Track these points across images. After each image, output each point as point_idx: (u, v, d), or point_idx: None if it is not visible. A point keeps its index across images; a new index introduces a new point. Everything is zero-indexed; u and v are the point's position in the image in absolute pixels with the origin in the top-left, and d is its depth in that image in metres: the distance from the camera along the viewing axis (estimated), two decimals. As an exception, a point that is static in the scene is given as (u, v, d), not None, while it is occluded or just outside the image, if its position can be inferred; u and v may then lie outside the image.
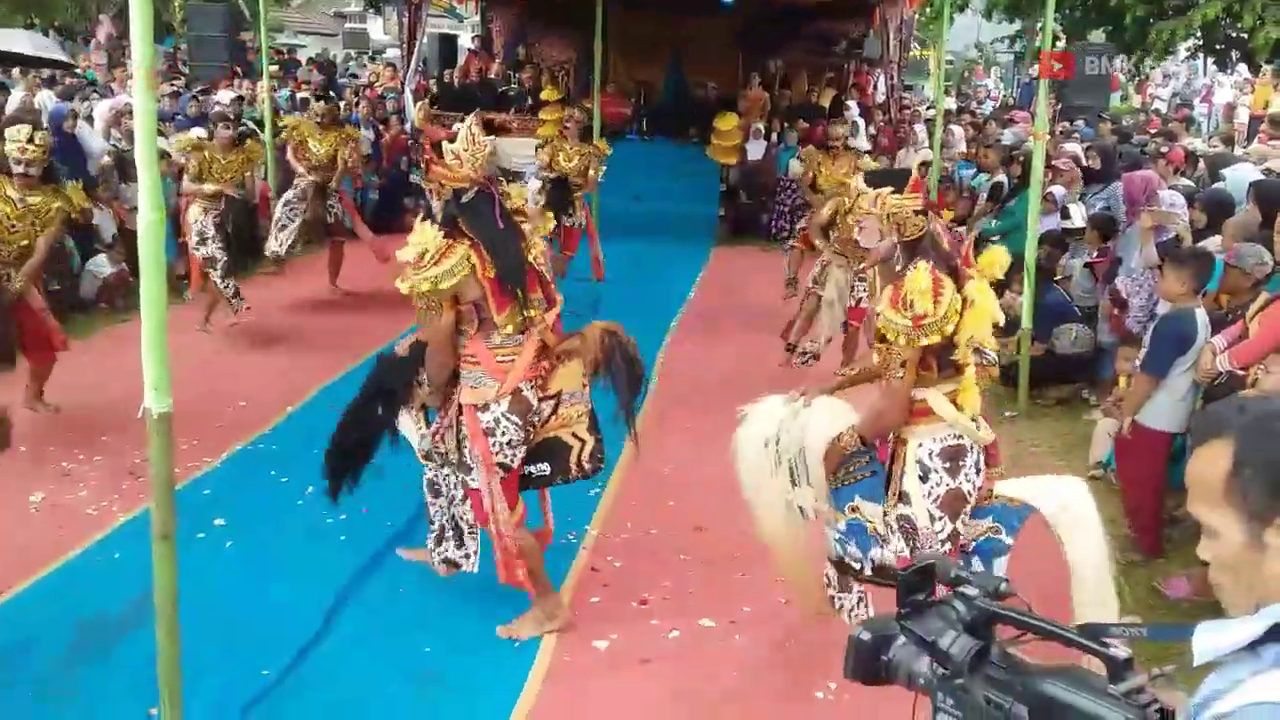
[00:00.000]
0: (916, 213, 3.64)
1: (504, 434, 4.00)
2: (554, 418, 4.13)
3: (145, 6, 3.02)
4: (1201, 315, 5.03)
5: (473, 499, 4.17)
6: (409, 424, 4.41)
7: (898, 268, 3.64)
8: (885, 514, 3.71)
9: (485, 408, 3.98)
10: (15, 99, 11.14)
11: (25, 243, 6.15)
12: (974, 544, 3.66)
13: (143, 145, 3.13)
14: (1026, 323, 7.33)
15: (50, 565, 4.74)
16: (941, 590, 1.59)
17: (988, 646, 1.50)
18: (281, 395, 7.02)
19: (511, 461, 4.06)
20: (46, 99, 11.37)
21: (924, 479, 3.61)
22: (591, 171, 9.72)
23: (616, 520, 5.36)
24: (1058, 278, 8.30)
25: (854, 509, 3.84)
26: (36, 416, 6.43)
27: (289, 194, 9.42)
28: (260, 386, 7.23)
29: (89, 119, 10.66)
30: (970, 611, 1.52)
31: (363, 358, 7.53)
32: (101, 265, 8.96)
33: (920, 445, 3.63)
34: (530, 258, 4.05)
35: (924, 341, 3.47)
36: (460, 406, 4.07)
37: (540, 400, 4.10)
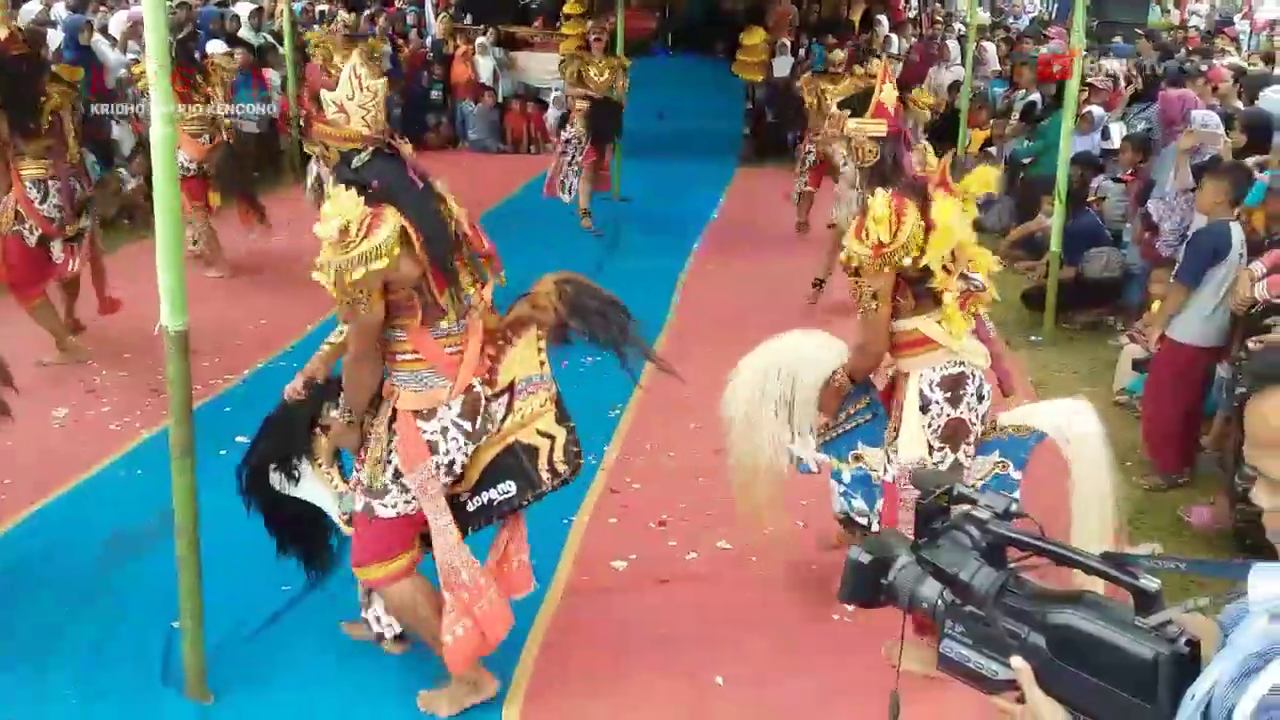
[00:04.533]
0: (873, 138, 3.56)
1: (448, 450, 3.14)
2: (509, 418, 3.27)
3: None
4: (1237, 231, 4.92)
5: (358, 528, 3.29)
6: (317, 489, 3.53)
7: (863, 193, 3.56)
8: (885, 451, 3.66)
9: (431, 414, 3.13)
10: (30, 10, 11.00)
11: None
12: (981, 484, 3.57)
13: (154, 55, 3.05)
14: (1055, 246, 7.20)
15: (74, 480, 4.80)
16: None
17: (1009, 578, 1.45)
18: (302, 313, 6.99)
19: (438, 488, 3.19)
20: (61, 10, 11.22)
21: (924, 409, 3.53)
22: (618, 86, 9.52)
23: (635, 442, 5.35)
24: (1090, 198, 8.14)
25: (857, 457, 3.79)
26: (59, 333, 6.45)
27: None
28: (280, 304, 7.23)
29: (105, 30, 10.52)
30: (985, 536, 1.46)
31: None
32: (122, 180, 8.91)
33: (921, 376, 3.55)
34: (451, 223, 3.17)
35: (885, 270, 3.39)
36: (389, 426, 3.21)
37: (491, 399, 3.24)
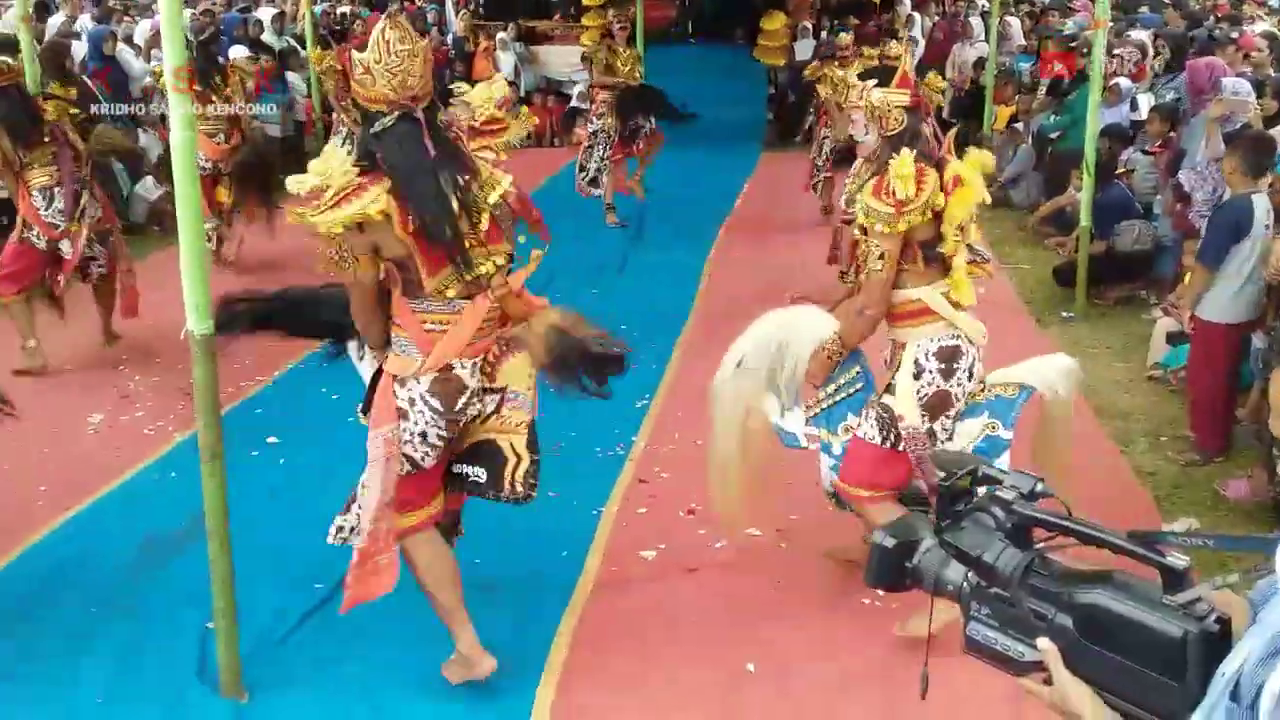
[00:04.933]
0: (900, 107, 3.57)
1: (417, 422, 3.15)
2: (496, 417, 3.30)
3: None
4: (1261, 202, 4.81)
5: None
6: (362, 364, 3.64)
7: (882, 160, 3.57)
8: (868, 405, 3.67)
9: (404, 382, 3.16)
10: (55, 22, 11.14)
11: None
12: (972, 447, 3.57)
13: (171, 61, 3.08)
14: (1085, 220, 7.11)
15: (109, 484, 4.86)
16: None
17: (1034, 559, 1.42)
18: (330, 313, 7.04)
19: (422, 460, 3.21)
20: (86, 21, 11.35)
21: (916, 376, 3.55)
22: (636, 76, 9.48)
23: (663, 432, 5.34)
24: (1120, 170, 8.02)
25: (847, 428, 3.78)
26: (93, 340, 6.52)
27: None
28: (309, 305, 7.26)
29: (129, 40, 10.63)
30: (1010, 518, 1.43)
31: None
32: (149, 188, 9.01)
33: (918, 346, 3.56)
34: (488, 199, 3.13)
35: (903, 226, 3.40)
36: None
37: (485, 391, 3.26)
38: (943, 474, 1.54)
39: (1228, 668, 1.24)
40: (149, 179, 9.06)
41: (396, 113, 3.01)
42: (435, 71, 12.21)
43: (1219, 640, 1.27)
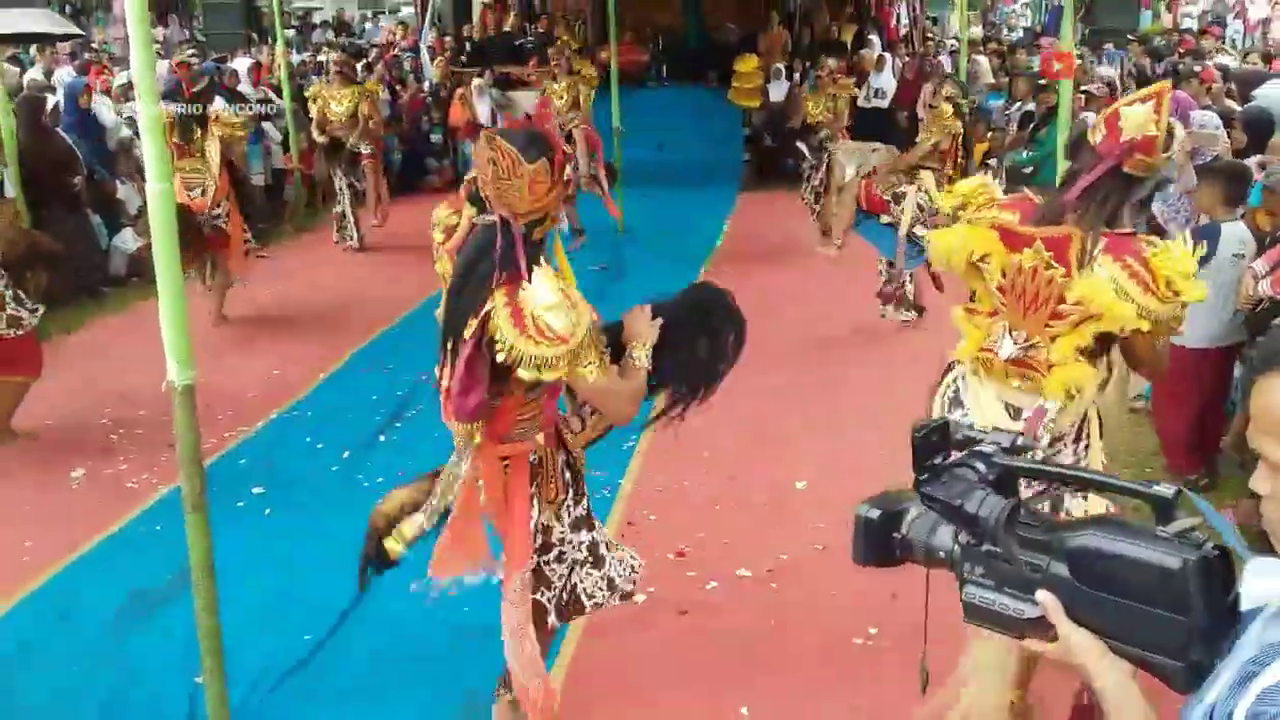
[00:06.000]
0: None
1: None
2: None
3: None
4: (1232, 230, 4.89)
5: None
6: None
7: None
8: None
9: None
10: (31, 75, 11.14)
11: None
12: None
13: (146, 112, 3.08)
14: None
15: (93, 539, 4.80)
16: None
17: (1018, 504, 1.37)
18: (314, 362, 7.04)
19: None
20: (65, 74, 11.36)
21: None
22: (582, 100, 9.70)
23: (650, 473, 5.34)
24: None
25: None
26: (74, 394, 6.47)
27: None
28: (291, 354, 7.26)
29: (106, 93, 10.64)
30: (992, 470, 1.39)
31: (394, 320, 7.57)
32: (128, 240, 8.98)
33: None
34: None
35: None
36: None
37: None
38: (914, 428, 1.49)
39: (1206, 697, 1.23)
40: (128, 231, 9.04)
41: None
42: (412, 118, 12.57)
43: (1221, 566, 1.23)
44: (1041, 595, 1.31)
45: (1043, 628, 1.33)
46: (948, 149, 7.18)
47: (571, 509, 3.09)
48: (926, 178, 6.89)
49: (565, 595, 3.10)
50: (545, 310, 2.65)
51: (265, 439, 5.93)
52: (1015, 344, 3.05)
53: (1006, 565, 1.35)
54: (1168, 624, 1.23)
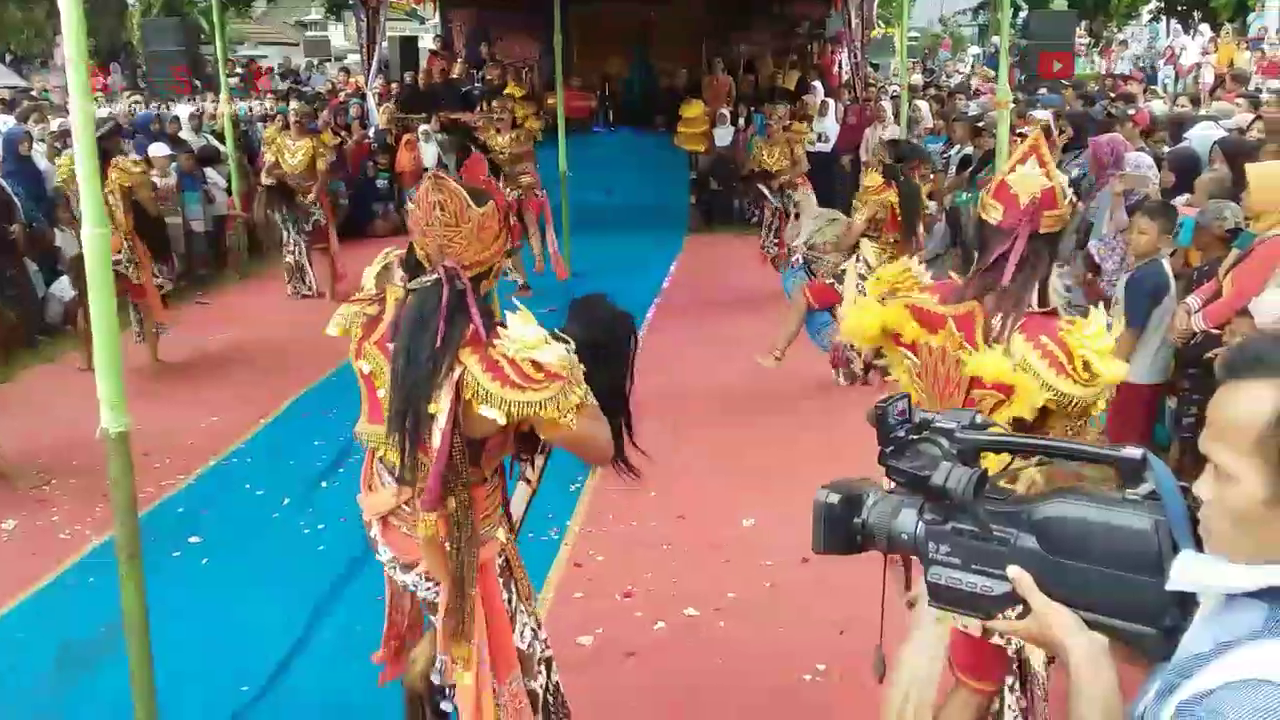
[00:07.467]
0: None
1: None
2: None
3: (77, 12, 2.93)
4: (1167, 266, 5.03)
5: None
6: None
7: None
8: None
9: None
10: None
11: None
12: None
13: (83, 160, 3.04)
14: (1000, 293, 7.29)
15: (26, 591, 4.67)
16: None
17: (984, 474, 1.36)
18: (252, 409, 6.94)
19: None
20: (3, 122, 11.20)
21: None
22: (525, 153, 10.02)
23: (598, 514, 5.30)
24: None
25: None
26: (7, 444, 6.31)
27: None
28: (231, 401, 7.15)
29: (45, 141, 10.51)
30: (955, 445, 1.39)
31: (337, 365, 7.47)
32: (64, 288, 8.82)
33: None
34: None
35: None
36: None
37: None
38: (877, 407, 1.48)
39: (1135, 709, 1.23)
40: (64, 279, 8.88)
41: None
42: (358, 164, 12.66)
43: (1193, 526, 1.23)
44: (1013, 571, 1.30)
45: (1013, 604, 1.31)
46: (885, 218, 7.20)
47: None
48: (866, 247, 6.96)
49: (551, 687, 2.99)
50: (531, 350, 2.46)
51: (203, 487, 5.82)
52: None
53: (973, 542, 1.33)
54: (1141, 588, 1.22)
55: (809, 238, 7.60)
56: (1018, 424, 2.63)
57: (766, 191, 9.45)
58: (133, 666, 3.19)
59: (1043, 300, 2.78)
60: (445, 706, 2.98)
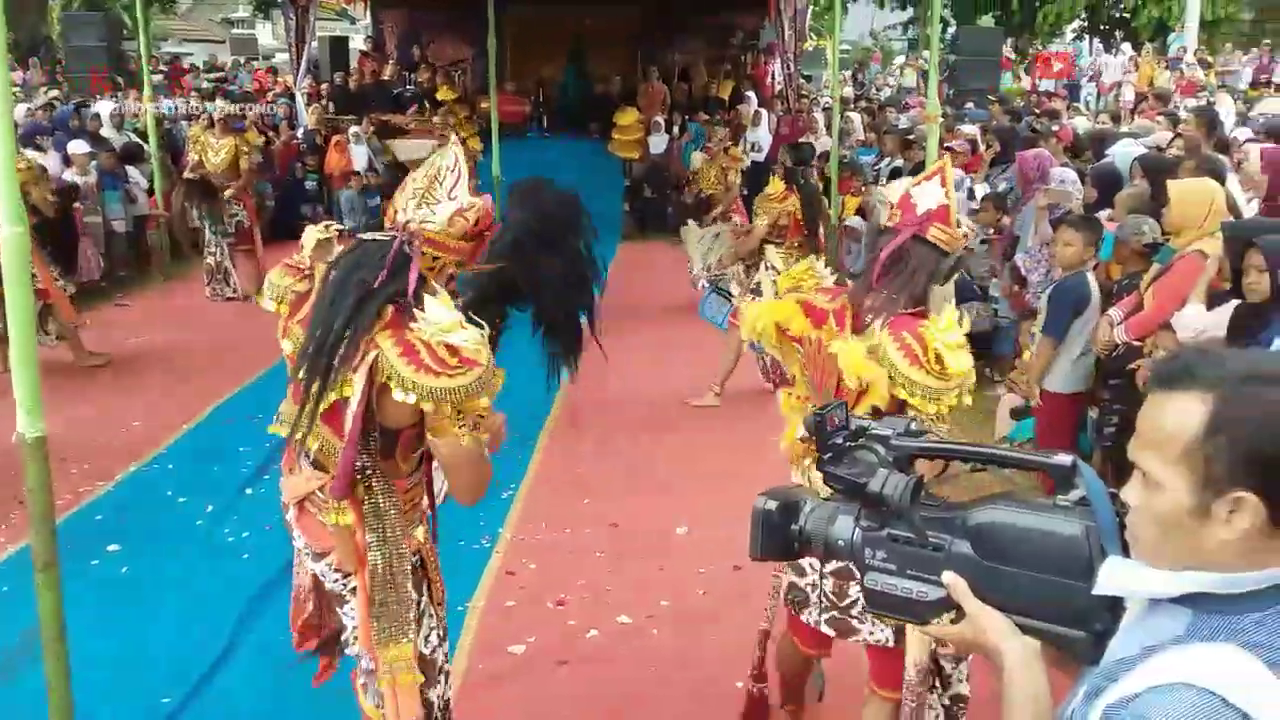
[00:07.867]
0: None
1: None
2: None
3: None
4: (1092, 278, 5.16)
5: None
6: None
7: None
8: None
9: None
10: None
11: None
12: None
13: (0, 155, 2.94)
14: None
15: (-69, 605, 4.49)
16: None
17: (920, 480, 1.38)
18: (174, 414, 6.77)
19: None
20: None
21: None
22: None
23: (530, 521, 5.27)
24: (957, 256, 8.42)
25: None
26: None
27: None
28: (152, 405, 6.97)
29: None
30: (891, 452, 1.40)
31: (261, 371, 7.33)
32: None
33: None
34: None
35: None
36: None
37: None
38: (815, 413, 1.50)
39: (1063, 712, 1.26)
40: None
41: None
42: (286, 164, 12.46)
43: (1122, 532, 1.25)
44: (948, 577, 1.31)
45: (947, 609, 1.33)
46: (787, 224, 7.26)
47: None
48: (771, 254, 6.99)
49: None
50: (444, 332, 2.36)
51: (123, 493, 5.66)
52: None
53: (909, 548, 1.35)
54: (1072, 593, 1.24)
55: (704, 263, 7.66)
56: (875, 413, 2.67)
57: (698, 235, 9.46)
58: (50, 678, 3.08)
59: (923, 308, 2.84)
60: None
